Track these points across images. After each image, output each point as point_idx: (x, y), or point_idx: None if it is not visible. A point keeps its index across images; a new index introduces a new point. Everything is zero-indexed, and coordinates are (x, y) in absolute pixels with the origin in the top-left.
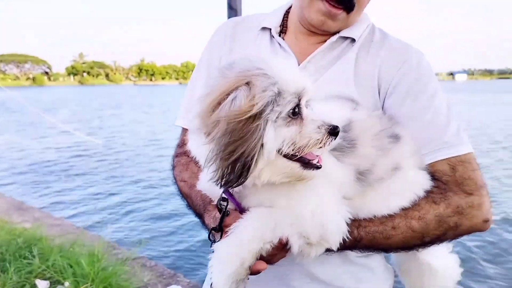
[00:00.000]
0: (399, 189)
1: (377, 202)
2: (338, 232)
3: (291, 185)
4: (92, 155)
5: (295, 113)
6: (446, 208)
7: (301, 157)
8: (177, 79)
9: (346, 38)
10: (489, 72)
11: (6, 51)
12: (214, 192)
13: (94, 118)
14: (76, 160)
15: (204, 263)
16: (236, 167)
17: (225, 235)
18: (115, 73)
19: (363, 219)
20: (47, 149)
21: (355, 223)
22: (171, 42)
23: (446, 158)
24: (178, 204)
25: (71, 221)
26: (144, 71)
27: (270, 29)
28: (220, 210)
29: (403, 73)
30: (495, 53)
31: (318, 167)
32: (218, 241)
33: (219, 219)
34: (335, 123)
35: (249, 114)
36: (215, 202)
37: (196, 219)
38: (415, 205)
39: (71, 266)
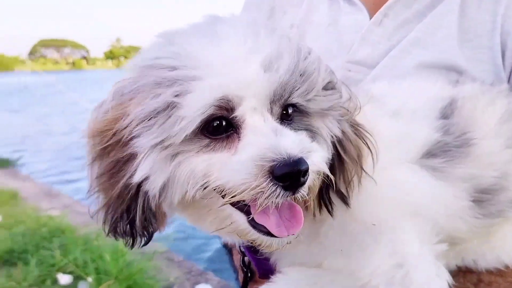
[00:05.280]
0: None
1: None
2: None
3: (349, 232)
4: None
5: (218, 130)
6: None
7: (247, 206)
8: None
9: None
10: None
11: (47, 36)
12: None
13: None
14: None
15: None
16: (116, 213)
17: None
18: None
19: (486, 272)
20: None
21: (471, 277)
22: None
23: None
24: None
25: None
26: None
27: None
28: (243, 268)
29: None
30: None
31: (272, 236)
32: None
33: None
34: (294, 154)
35: (110, 133)
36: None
37: None
38: None
39: (94, 261)
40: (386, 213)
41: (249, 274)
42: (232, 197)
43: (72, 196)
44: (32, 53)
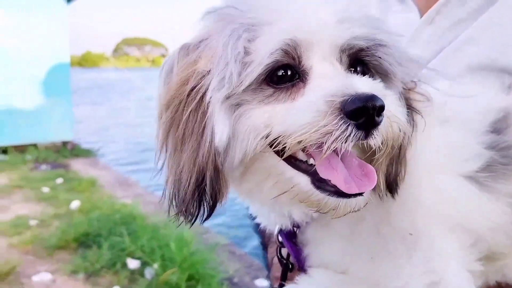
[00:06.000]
0: None
1: None
2: None
3: (383, 237)
4: None
5: (283, 79)
6: None
7: (311, 166)
8: None
9: None
10: None
11: (129, 35)
12: None
13: None
14: None
15: None
16: (188, 179)
17: None
18: None
19: None
20: None
21: None
22: None
23: None
24: None
25: None
26: None
27: None
28: (280, 260)
29: None
30: None
31: (346, 195)
32: None
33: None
34: (365, 91)
35: (184, 94)
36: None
37: None
38: None
39: (160, 248)
40: (425, 224)
41: (290, 266)
42: (296, 143)
43: (144, 186)
44: (116, 50)
